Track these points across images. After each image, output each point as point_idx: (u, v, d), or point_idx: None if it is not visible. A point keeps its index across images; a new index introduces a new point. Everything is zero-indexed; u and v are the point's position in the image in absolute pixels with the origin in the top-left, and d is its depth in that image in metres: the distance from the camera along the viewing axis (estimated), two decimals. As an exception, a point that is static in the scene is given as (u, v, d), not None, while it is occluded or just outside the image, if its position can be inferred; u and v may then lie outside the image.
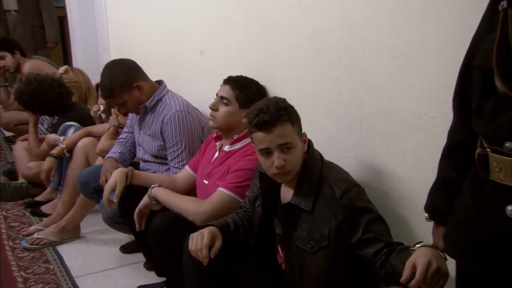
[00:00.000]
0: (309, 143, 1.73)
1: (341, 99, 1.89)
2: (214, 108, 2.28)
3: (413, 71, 1.55)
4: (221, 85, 2.33)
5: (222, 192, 2.11)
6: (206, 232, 1.70)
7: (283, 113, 1.62)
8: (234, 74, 2.34)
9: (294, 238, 1.68)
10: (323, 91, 1.98)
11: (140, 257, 2.85)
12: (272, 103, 1.65)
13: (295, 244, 1.68)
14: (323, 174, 1.67)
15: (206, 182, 2.33)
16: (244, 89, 2.28)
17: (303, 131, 1.70)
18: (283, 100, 1.69)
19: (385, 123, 1.69)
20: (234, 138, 2.28)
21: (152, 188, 2.22)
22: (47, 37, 5.87)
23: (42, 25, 5.86)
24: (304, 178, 1.68)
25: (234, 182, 2.12)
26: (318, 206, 1.63)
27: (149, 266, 2.77)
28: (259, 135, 1.63)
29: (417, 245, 1.36)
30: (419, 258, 1.25)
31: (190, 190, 2.52)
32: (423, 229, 1.59)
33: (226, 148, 2.30)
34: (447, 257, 1.27)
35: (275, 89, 2.33)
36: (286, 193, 1.77)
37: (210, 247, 1.68)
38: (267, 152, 1.64)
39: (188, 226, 2.04)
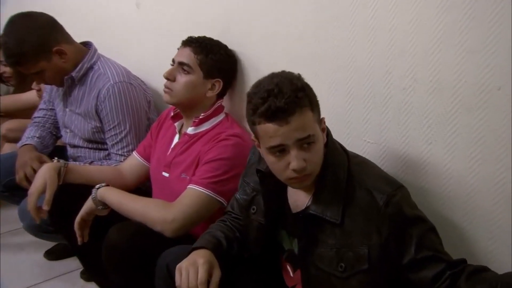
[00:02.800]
0: (327, 132, 1.28)
1: (355, 65, 1.44)
2: (170, 77, 1.75)
3: (478, 30, 1.13)
4: (179, 48, 1.80)
5: (195, 191, 1.62)
6: (200, 262, 1.23)
7: (301, 96, 1.14)
8: (185, 33, 1.81)
9: (315, 258, 1.25)
10: (326, 54, 1.52)
11: (74, 264, 2.27)
12: (285, 81, 1.16)
13: (316, 266, 1.25)
14: (352, 172, 1.24)
15: (166, 175, 1.82)
16: (210, 54, 1.76)
17: (322, 120, 1.24)
18: (297, 77, 1.20)
19: (427, 99, 1.28)
20: (200, 117, 1.77)
21: (98, 188, 1.67)
22: None
23: None
24: (325, 179, 1.24)
25: (210, 177, 1.64)
26: (350, 216, 1.20)
27: (88, 276, 2.22)
28: (269, 127, 1.15)
29: None
30: None
31: (142, 184, 2.00)
32: (484, 240, 1.23)
33: (190, 130, 1.79)
34: None
35: (248, 54, 1.83)
36: (297, 198, 1.32)
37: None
38: (280, 150, 1.17)
39: (156, 239, 1.55)
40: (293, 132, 1.14)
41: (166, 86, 1.76)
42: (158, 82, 2.30)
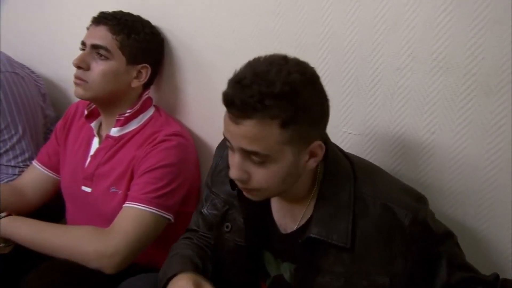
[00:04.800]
0: (325, 138, 1.00)
1: (331, 42, 1.19)
2: (82, 65, 1.36)
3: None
4: (89, 27, 1.42)
5: (136, 210, 1.28)
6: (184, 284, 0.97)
7: (269, 104, 0.84)
8: (92, 9, 1.43)
9: None
10: (288, 29, 1.26)
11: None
12: (267, 76, 0.85)
13: None
14: (360, 183, 0.99)
15: (87, 189, 1.44)
16: (133, 33, 1.40)
17: (312, 143, 0.92)
18: (297, 71, 0.87)
19: (429, 81, 1.07)
20: (126, 114, 1.41)
21: (-1, 220, 1.27)
22: None
23: None
24: (327, 194, 0.99)
25: (152, 190, 1.31)
26: (363, 238, 0.96)
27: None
28: (226, 114, 0.91)
29: None
30: None
31: (47, 201, 1.59)
32: (504, 243, 1.08)
33: (114, 131, 1.43)
34: None
35: (176, 31, 1.49)
36: (286, 213, 1.06)
37: None
38: (230, 146, 0.95)
39: (94, 281, 1.21)
40: (239, 137, 0.89)
41: (77, 77, 1.37)
42: (54, 70, 1.87)
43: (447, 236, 0.99)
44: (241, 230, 1.08)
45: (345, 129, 1.23)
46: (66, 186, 1.51)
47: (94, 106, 1.47)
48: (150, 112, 1.47)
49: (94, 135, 1.47)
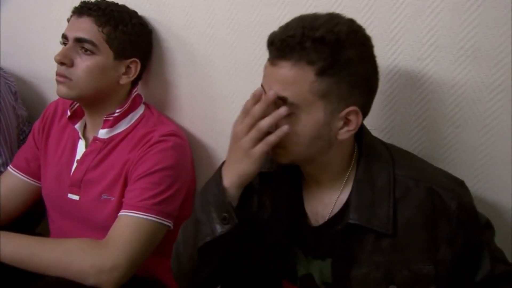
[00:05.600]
0: (361, 126, 0.93)
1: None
2: (66, 61, 1.23)
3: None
4: (70, 19, 1.29)
5: (134, 219, 1.18)
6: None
7: (308, 47, 0.82)
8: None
9: (353, 283, 0.93)
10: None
11: None
12: (316, 19, 0.84)
13: None
14: (398, 166, 0.93)
15: (74, 197, 1.32)
16: (120, 24, 1.28)
17: (348, 107, 0.87)
18: (347, 24, 0.85)
19: (455, 71, 1.00)
20: (115, 114, 1.30)
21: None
22: None
23: None
24: (364, 177, 0.93)
25: (151, 196, 1.20)
26: (404, 224, 0.90)
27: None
28: (267, 61, 0.89)
29: None
30: None
31: (26, 211, 1.46)
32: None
33: (102, 133, 1.31)
34: None
35: (164, 21, 1.38)
36: (318, 204, 0.99)
37: None
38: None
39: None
40: (273, 81, 0.86)
41: (60, 74, 1.24)
42: (24, 65, 1.72)
43: (488, 227, 0.94)
44: (276, 228, 1.01)
45: (360, 124, 1.15)
46: (50, 193, 1.38)
47: (77, 105, 1.35)
48: (141, 110, 1.35)
49: (79, 138, 1.34)
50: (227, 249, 0.97)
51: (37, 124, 1.45)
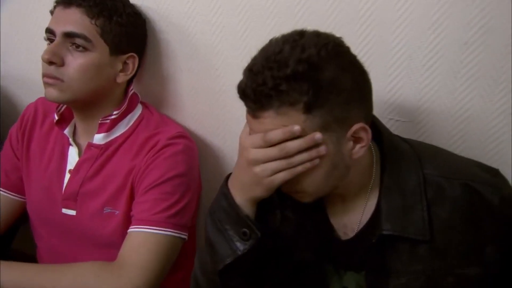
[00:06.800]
0: (376, 125, 0.87)
1: (377, 15, 1.01)
2: (55, 59, 1.06)
3: None
4: (54, 10, 1.12)
5: (150, 235, 1.04)
6: None
7: (285, 88, 0.72)
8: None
9: None
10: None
11: None
12: (280, 53, 0.74)
13: None
14: (427, 165, 0.84)
15: (70, 212, 1.16)
16: (115, 15, 1.12)
17: (352, 126, 0.77)
18: (314, 44, 0.74)
19: (501, 53, 0.92)
20: (113, 116, 1.15)
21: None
22: None
23: None
24: (391, 182, 0.84)
25: (165, 208, 1.07)
26: (442, 227, 0.81)
27: None
28: (246, 111, 0.80)
29: None
30: None
31: (7, 228, 1.29)
32: None
33: (98, 138, 1.15)
34: None
35: (158, 8, 1.23)
36: (342, 215, 0.90)
37: None
38: None
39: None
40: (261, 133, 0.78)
41: (49, 75, 1.07)
42: None
43: None
44: (304, 244, 0.91)
45: (391, 116, 1.06)
46: (38, 209, 1.22)
47: (65, 107, 1.18)
48: (139, 111, 1.21)
49: (70, 144, 1.18)
50: (251, 269, 0.88)
51: (14, 130, 1.27)
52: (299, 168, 0.77)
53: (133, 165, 1.11)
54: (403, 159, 0.85)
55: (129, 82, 1.19)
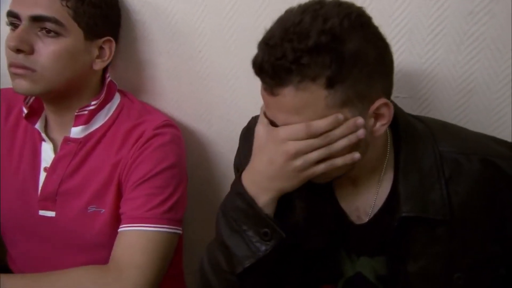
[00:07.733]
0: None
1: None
2: (24, 47, 0.95)
3: None
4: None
5: (145, 233, 0.97)
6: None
7: (306, 61, 0.68)
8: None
9: (412, 279, 0.82)
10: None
11: None
12: (299, 24, 0.69)
13: None
14: (443, 142, 0.82)
15: (49, 214, 1.06)
16: (88, -5, 1.01)
17: (374, 102, 0.73)
18: (336, 14, 0.69)
19: (509, 23, 0.90)
20: (91, 107, 1.05)
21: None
22: None
23: None
24: (406, 161, 0.81)
25: (159, 203, 0.99)
26: (462, 206, 0.79)
27: None
28: (261, 87, 0.75)
29: None
30: None
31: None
32: None
33: (76, 132, 1.06)
34: None
35: None
36: (354, 198, 0.86)
37: None
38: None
39: None
40: (280, 113, 0.74)
41: (18, 65, 0.96)
42: None
43: None
44: (315, 230, 0.87)
45: (395, 94, 1.02)
46: (10, 213, 1.10)
47: (33, 99, 1.07)
48: (117, 99, 1.11)
49: (43, 140, 1.08)
50: (271, 267, 0.83)
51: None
52: (340, 161, 0.74)
53: (118, 159, 1.02)
54: (418, 137, 0.82)
55: (105, 69, 1.09)
